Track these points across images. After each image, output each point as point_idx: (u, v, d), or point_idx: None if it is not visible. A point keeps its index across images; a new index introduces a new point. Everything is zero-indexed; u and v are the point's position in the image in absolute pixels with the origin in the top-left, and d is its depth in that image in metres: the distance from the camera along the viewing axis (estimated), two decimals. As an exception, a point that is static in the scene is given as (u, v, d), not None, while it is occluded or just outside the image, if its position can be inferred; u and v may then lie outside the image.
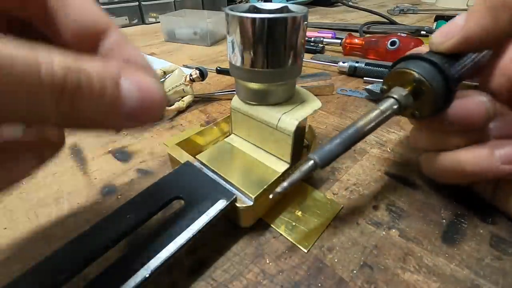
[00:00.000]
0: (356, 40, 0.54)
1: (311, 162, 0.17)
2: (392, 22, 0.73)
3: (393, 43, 0.49)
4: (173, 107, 0.34)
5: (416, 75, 0.17)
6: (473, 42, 0.17)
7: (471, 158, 0.18)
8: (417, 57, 0.17)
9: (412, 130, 0.23)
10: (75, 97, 0.09)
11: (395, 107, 0.17)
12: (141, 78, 0.11)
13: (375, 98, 0.38)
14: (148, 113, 0.12)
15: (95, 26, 0.13)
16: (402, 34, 0.50)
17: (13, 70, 0.08)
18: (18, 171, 0.12)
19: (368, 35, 0.62)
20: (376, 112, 0.17)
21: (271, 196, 0.17)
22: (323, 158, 0.16)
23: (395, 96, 0.18)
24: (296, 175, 0.17)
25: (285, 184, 0.17)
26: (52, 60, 0.09)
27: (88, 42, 0.13)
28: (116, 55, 0.13)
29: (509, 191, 0.20)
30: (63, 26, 0.13)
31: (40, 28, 0.13)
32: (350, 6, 0.91)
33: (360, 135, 0.17)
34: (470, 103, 0.17)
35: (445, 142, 0.19)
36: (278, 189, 0.17)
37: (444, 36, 0.17)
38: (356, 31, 0.68)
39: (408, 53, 0.19)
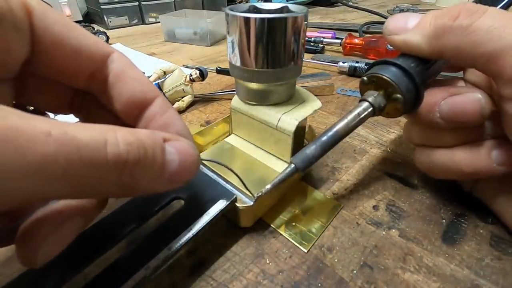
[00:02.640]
0: (356, 40, 0.54)
1: (292, 166, 0.18)
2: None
3: None
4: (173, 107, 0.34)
5: (385, 78, 0.18)
6: (412, 50, 0.18)
7: (467, 157, 0.18)
8: (387, 62, 0.18)
9: (405, 124, 0.23)
10: (134, 169, 0.10)
11: (370, 110, 0.18)
12: (180, 142, 0.13)
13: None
14: (185, 175, 0.13)
15: (144, 97, 0.15)
16: None
17: (82, 154, 0.09)
18: (69, 234, 0.13)
19: (368, 35, 0.62)
20: (352, 115, 0.18)
21: (255, 199, 0.18)
22: (303, 163, 0.18)
23: (368, 99, 0.18)
24: (278, 178, 0.18)
25: (268, 186, 0.18)
26: (117, 140, 0.10)
27: (136, 109, 0.15)
28: (158, 118, 0.15)
29: (487, 183, 0.20)
30: (118, 96, 0.15)
31: (99, 97, 0.15)
32: (350, 6, 0.91)
33: (338, 138, 0.18)
34: (465, 100, 0.17)
35: (438, 138, 0.20)
36: (262, 191, 0.18)
37: (393, 28, 0.18)
38: (356, 31, 0.68)
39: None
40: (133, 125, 0.15)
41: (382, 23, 0.73)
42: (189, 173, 0.13)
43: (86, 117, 0.17)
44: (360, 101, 0.19)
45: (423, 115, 0.18)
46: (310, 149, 0.18)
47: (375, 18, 0.76)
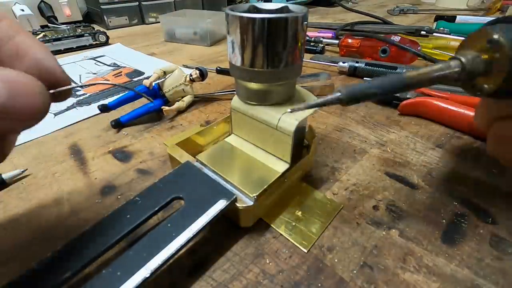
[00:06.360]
0: (350, 41, 0.53)
1: (338, 94, 0.15)
2: (388, 23, 0.73)
3: (384, 51, 0.49)
4: (173, 107, 0.34)
5: (494, 35, 0.14)
6: None
7: None
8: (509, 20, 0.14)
9: (485, 104, 0.18)
10: None
11: (457, 69, 0.15)
12: (7, 71, 0.11)
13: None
14: (20, 106, 0.11)
15: None
16: (396, 37, 0.48)
17: None
18: None
19: (363, 36, 0.61)
20: (431, 67, 0.15)
21: (291, 110, 0.16)
22: (348, 93, 0.15)
23: (461, 58, 0.15)
24: (318, 101, 0.15)
25: (302, 105, 0.16)
26: None
27: None
28: (4, 46, 0.13)
29: None
30: None
31: None
32: (346, 8, 0.91)
33: (402, 85, 0.15)
34: None
35: None
36: (295, 108, 0.16)
37: None
38: (354, 30, 0.68)
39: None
40: None
41: (371, 22, 0.73)
42: (25, 104, 0.11)
43: None
44: (452, 58, 0.16)
45: None
46: (365, 84, 0.15)
47: (373, 18, 0.76)
